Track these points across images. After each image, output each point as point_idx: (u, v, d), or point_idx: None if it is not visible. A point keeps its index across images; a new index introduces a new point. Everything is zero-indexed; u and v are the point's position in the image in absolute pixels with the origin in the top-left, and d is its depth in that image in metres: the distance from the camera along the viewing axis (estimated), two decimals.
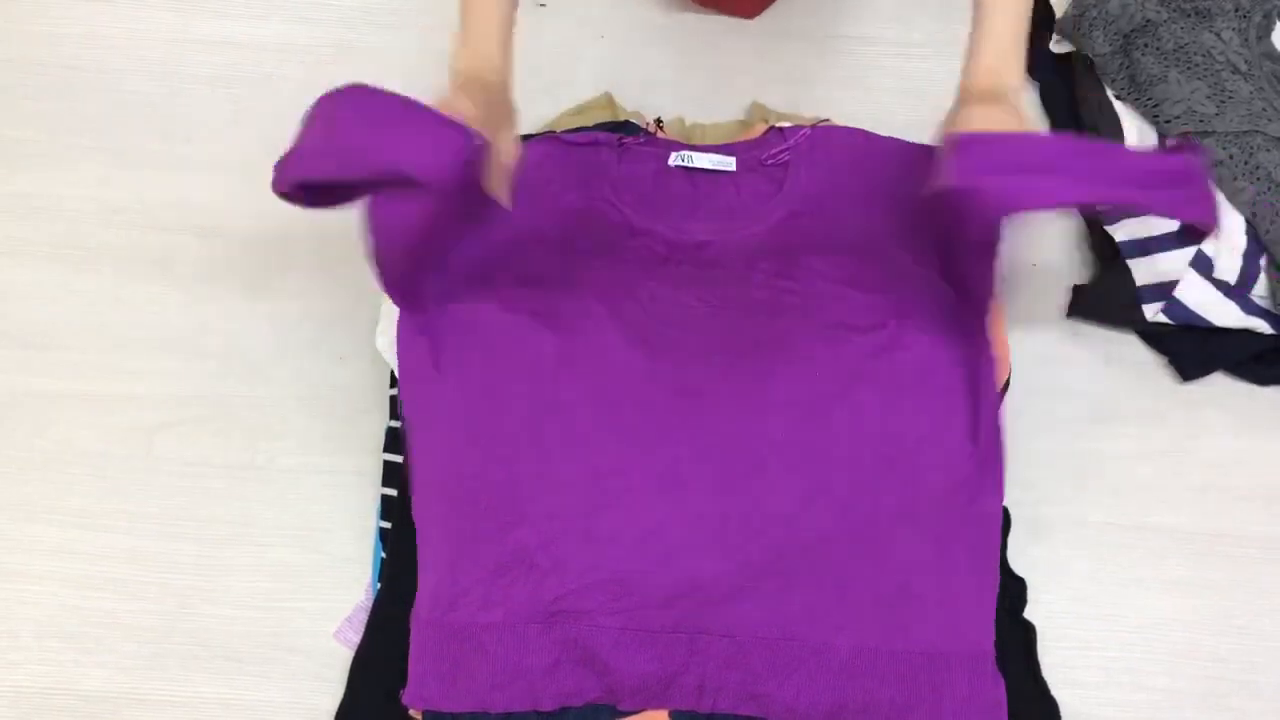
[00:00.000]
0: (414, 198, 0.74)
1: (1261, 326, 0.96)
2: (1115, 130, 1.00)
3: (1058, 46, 1.08)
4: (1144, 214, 0.92)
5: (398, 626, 0.83)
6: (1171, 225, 0.96)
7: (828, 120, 1.00)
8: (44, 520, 0.94)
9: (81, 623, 0.90)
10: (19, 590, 0.92)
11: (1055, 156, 0.74)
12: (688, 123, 1.04)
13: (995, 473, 0.81)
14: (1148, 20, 1.01)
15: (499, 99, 0.81)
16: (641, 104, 1.05)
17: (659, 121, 1.01)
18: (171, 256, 1.03)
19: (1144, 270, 0.97)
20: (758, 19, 1.13)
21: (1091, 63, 1.03)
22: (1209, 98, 0.97)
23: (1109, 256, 1.00)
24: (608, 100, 1.05)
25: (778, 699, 0.77)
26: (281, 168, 0.76)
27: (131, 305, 1.01)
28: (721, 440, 0.79)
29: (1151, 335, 0.99)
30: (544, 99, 1.06)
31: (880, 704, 0.77)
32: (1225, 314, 0.95)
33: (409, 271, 0.80)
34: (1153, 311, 0.96)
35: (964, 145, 0.74)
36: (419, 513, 0.82)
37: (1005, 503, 0.90)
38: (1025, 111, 0.78)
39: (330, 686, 0.88)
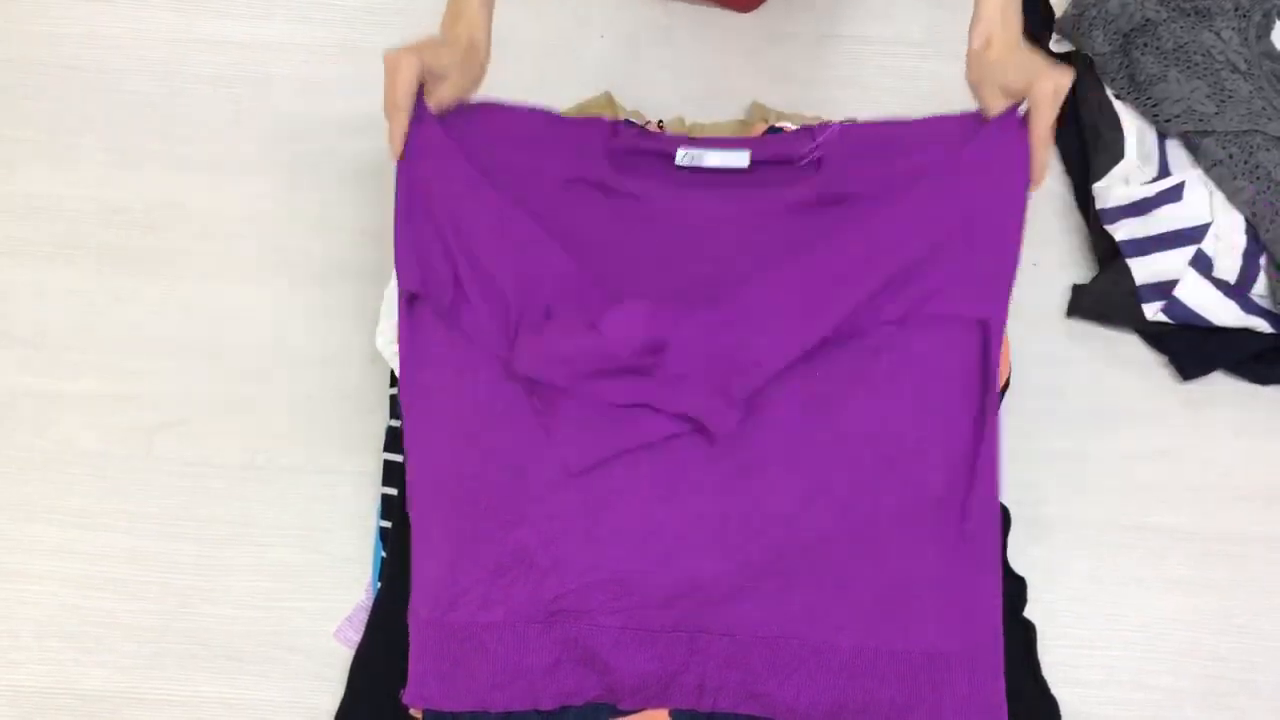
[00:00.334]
0: None
1: (1261, 326, 0.96)
2: (1115, 130, 1.00)
3: (1058, 46, 1.07)
4: None
5: (398, 626, 0.83)
6: (1171, 225, 0.96)
7: (830, 120, 1.00)
8: (44, 520, 0.94)
9: (81, 622, 0.91)
10: (19, 590, 0.92)
11: None
12: (687, 122, 1.04)
13: (994, 472, 0.81)
14: (1147, 20, 1.01)
15: (475, 58, 0.84)
16: (641, 104, 1.05)
17: (660, 123, 1.01)
18: (171, 256, 1.03)
19: (1144, 270, 0.97)
20: (756, 17, 1.14)
21: (1091, 62, 1.03)
22: (1209, 97, 0.97)
23: (1109, 256, 1.00)
24: (607, 100, 1.05)
25: (778, 698, 0.77)
26: None
27: (132, 305, 1.01)
28: (721, 440, 0.79)
29: (1151, 334, 0.99)
30: (544, 99, 1.05)
31: (880, 703, 0.77)
32: (1225, 313, 0.95)
33: None
34: (1153, 311, 0.96)
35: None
36: (416, 510, 0.82)
37: (1005, 502, 0.90)
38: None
39: (330, 686, 0.88)
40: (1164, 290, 0.96)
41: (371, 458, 0.94)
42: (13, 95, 1.10)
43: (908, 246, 0.77)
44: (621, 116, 1.02)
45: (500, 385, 0.80)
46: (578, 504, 0.78)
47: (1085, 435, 0.97)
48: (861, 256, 0.77)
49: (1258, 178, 0.94)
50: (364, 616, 0.89)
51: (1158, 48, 1.00)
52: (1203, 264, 0.95)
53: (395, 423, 0.93)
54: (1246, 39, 1.01)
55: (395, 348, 0.89)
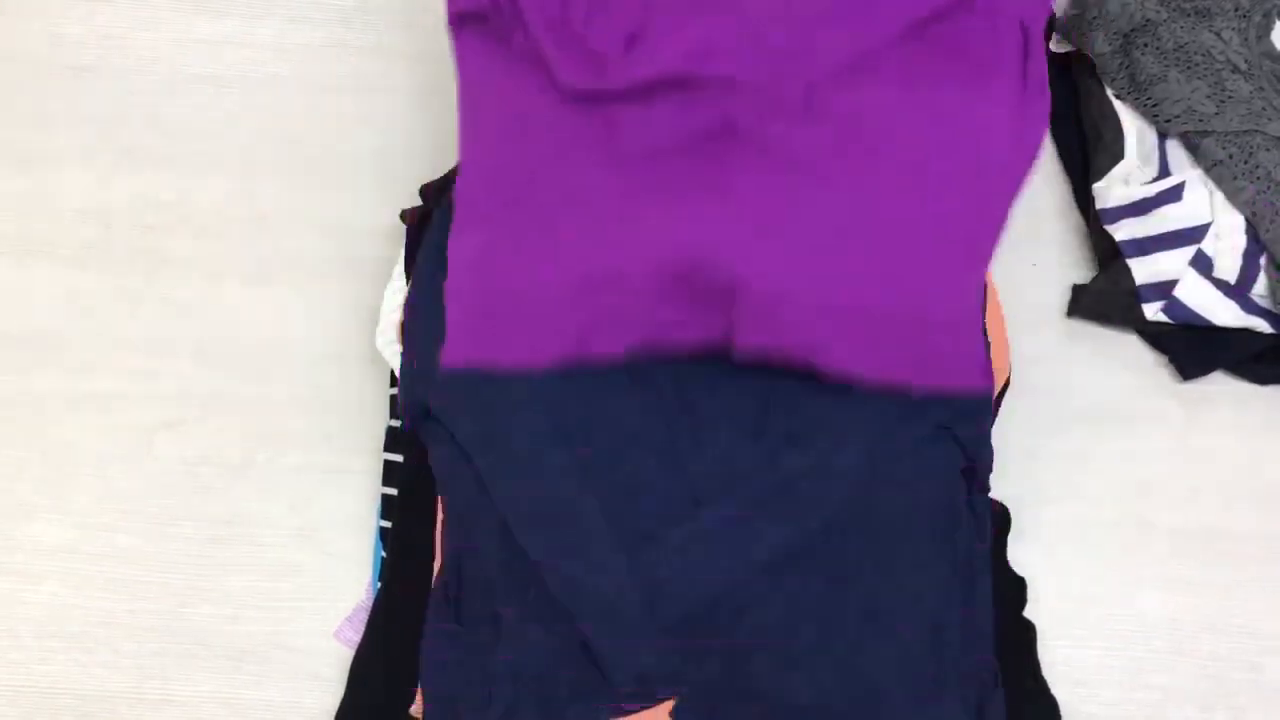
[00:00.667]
0: None
1: (1261, 326, 0.96)
2: (1115, 130, 1.00)
3: (1058, 46, 1.08)
4: None
5: (398, 626, 0.83)
6: (1171, 225, 0.96)
7: None
8: (44, 520, 0.94)
9: (81, 623, 0.91)
10: (19, 590, 0.92)
11: None
12: None
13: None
14: (1147, 20, 1.01)
15: None
16: None
17: None
18: (171, 256, 1.03)
19: (1144, 269, 0.97)
20: None
21: (1091, 62, 1.03)
22: (1209, 97, 0.97)
23: (1109, 256, 1.00)
24: None
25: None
26: None
27: (131, 305, 1.01)
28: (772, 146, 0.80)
29: (1151, 334, 0.99)
30: None
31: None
32: (1225, 313, 0.95)
33: None
34: (1153, 311, 0.97)
35: None
36: (460, 200, 0.84)
37: (1005, 502, 0.90)
38: None
39: (330, 686, 0.88)
40: (1164, 290, 0.96)
41: (371, 458, 0.94)
42: (12, 95, 1.09)
43: None
44: None
45: (551, 94, 0.82)
46: (619, 192, 0.79)
47: (1085, 435, 0.97)
48: None
49: (1258, 178, 0.94)
50: (364, 616, 0.89)
51: (1158, 48, 1.00)
52: (1203, 264, 0.95)
53: (395, 423, 0.93)
54: (1247, 39, 1.01)
55: (396, 347, 0.90)
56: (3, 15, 1.12)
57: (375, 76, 1.11)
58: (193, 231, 1.04)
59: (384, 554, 0.90)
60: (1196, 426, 0.97)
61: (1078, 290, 1.01)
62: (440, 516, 0.85)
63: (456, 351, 0.82)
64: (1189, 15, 1.01)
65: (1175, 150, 0.99)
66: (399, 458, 0.91)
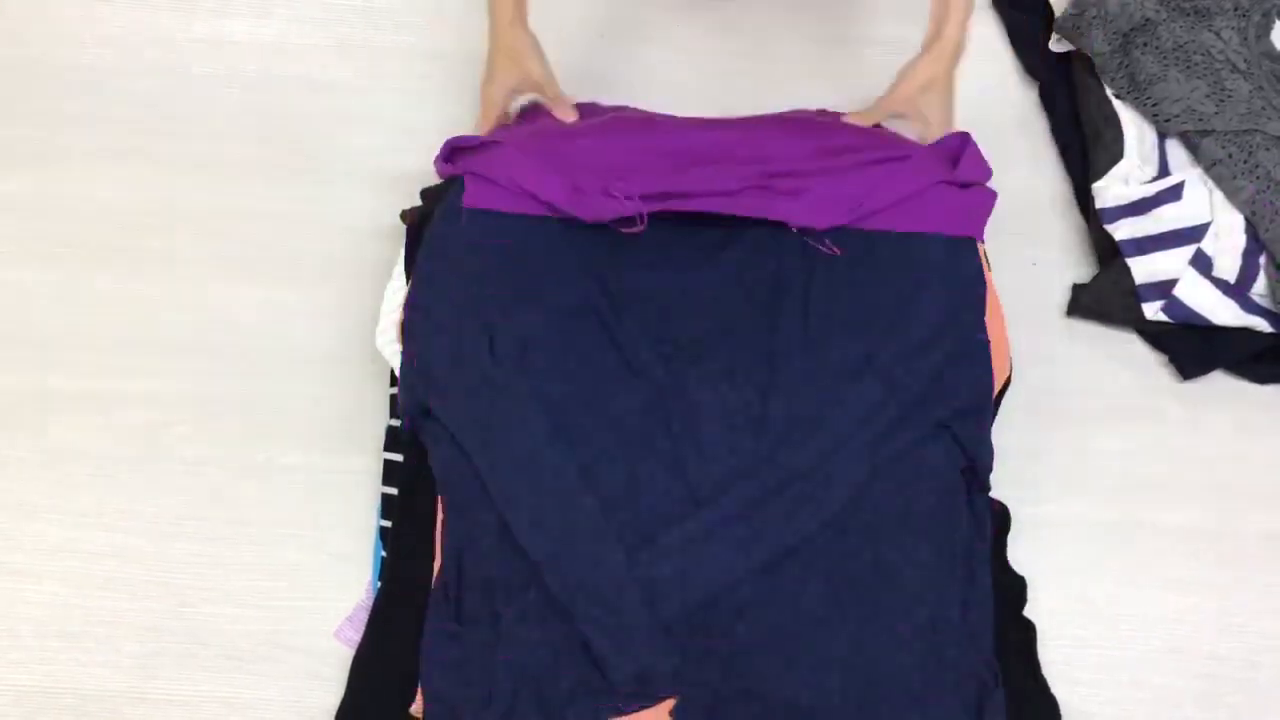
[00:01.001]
0: None
1: (1261, 325, 0.96)
2: (1115, 129, 1.00)
3: (1058, 46, 1.08)
4: None
5: (398, 626, 0.83)
6: (1171, 225, 0.96)
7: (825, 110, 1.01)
8: (44, 520, 0.94)
9: (82, 622, 0.91)
10: (20, 589, 0.92)
11: None
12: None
13: None
14: (1147, 19, 1.01)
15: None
16: (640, 104, 1.05)
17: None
18: (171, 256, 1.03)
19: (1143, 269, 0.97)
20: (757, 18, 1.13)
21: (1091, 62, 1.03)
22: (1208, 96, 0.97)
23: (1109, 256, 1.00)
24: None
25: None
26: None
27: (132, 305, 1.01)
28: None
29: (1151, 334, 0.99)
30: None
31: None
32: (1225, 313, 0.95)
33: None
34: (1152, 310, 0.97)
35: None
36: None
37: (1005, 502, 0.90)
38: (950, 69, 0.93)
39: (330, 686, 0.88)
40: (1164, 289, 0.96)
41: (371, 458, 0.94)
42: (12, 95, 1.10)
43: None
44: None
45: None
46: None
47: (1085, 434, 0.97)
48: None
49: (1257, 177, 0.94)
50: (364, 616, 0.89)
51: (1157, 47, 1.00)
52: (1202, 263, 0.95)
53: (395, 422, 0.93)
54: (1246, 39, 1.01)
55: (396, 347, 0.90)
56: (3, 16, 1.13)
57: (375, 76, 1.11)
58: (193, 231, 1.04)
59: (384, 553, 0.91)
60: (1196, 426, 0.97)
61: (1078, 289, 1.01)
62: (440, 516, 0.85)
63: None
64: (1188, 15, 1.01)
65: (1175, 150, 0.99)
66: (399, 458, 0.91)
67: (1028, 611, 0.89)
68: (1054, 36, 1.07)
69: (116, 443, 0.96)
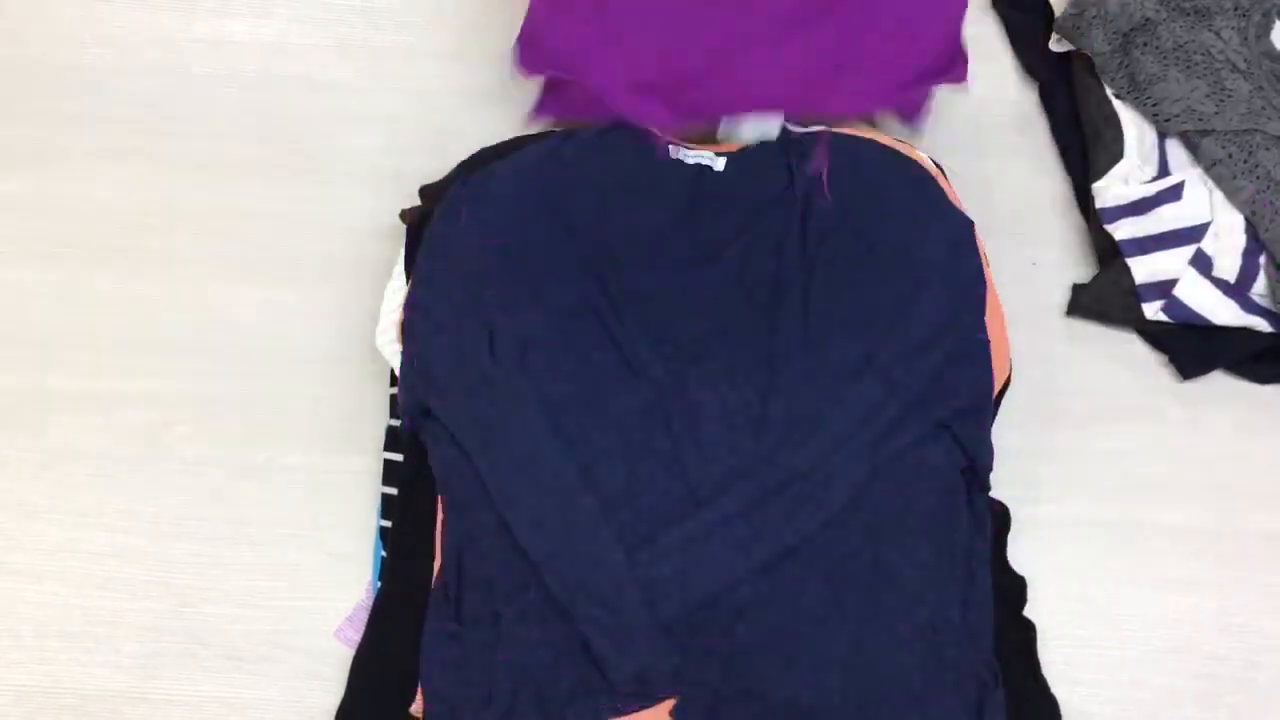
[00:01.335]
0: None
1: (1261, 325, 0.96)
2: (1115, 129, 1.00)
3: (1057, 46, 1.08)
4: None
5: (398, 626, 0.83)
6: (1171, 224, 0.96)
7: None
8: (44, 519, 0.94)
9: (82, 622, 0.91)
10: (20, 589, 0.92)
11: None
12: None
13: None
14: (1147, 19, 1.01)
15: None
16: None
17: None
18: (171, 256, 1.03)
19: (1143, 269, 0.97)
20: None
21: (1091, 62, 1.03)
22: (1208, 96, 0.97)
23: (1109, 256, 1.00)
24: None
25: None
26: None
27: (132, 305, 1.01)
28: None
29: (1151, 334, 0.99)
30: None
31: None
32: (1225, 313, 0.95)
33: None
34: (1152, 310, 0.97)
35: None
36: None
37: (1005, 502, 0.90)
38: None
39: (330, 686, 0.88)
40: (1164, 289, 0.96)
41: (371, 458, 0.94)
42: (11, 95, 1.09)
43: None
44: None
45: None
46: None
47: (1085, 434, 0.97)
48: None
49: (1257, 177, 0.94)
50: (364, 616, 0.89)
51: (1157, 47, 1.00)
52: (1202, 263, 0.95)
53: (395, 422, 0.93)
54: (1246, 38, 1.01)
55: (396, 347, 0.90)
56: (3, 16, 1.13)
57: (375, 76, 1.10)
58: (192, 231, 1.04)
59: (384, 553, 0.91)
60: (1196, 426, 0.97)
61: (1077, 289, 1.01)
62: (440, 516, 0.85)
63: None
64: (1188, 14, 1.01)
65: (1175, 149, 0.99)
66: (399, 457, 0.91)
67: (1028, 611, 0.89)
68: (1054, 36, 1.07)
69: (116, 443, 0.96)
